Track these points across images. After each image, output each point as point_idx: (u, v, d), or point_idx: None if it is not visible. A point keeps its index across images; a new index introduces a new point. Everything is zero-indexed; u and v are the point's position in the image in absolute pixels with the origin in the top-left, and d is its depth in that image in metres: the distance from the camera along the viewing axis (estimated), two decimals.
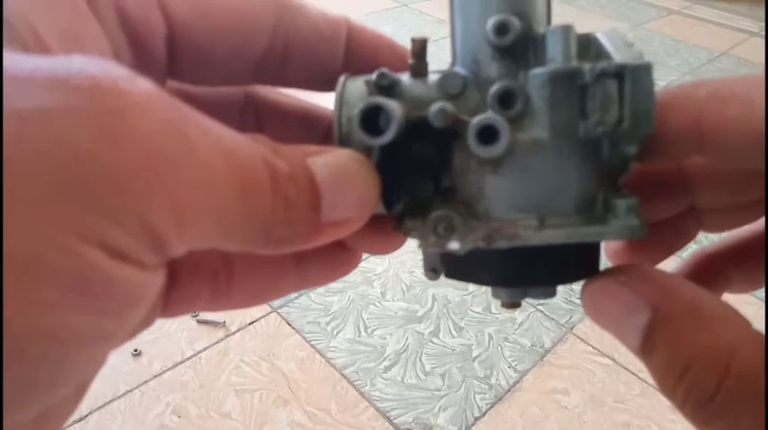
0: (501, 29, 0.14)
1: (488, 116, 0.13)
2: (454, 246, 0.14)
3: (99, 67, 0.09)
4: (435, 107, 0.14)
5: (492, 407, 0.76)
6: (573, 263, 0.15)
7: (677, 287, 0.13)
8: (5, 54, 0.09)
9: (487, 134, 0.13)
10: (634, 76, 0.13)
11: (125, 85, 0.09)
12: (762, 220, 0.16)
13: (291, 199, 0.11)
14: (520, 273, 0.15)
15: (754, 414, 0.11)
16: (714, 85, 0.13)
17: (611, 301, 0.13)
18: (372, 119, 0.14)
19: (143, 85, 0.09)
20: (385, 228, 0.15)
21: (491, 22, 0.14)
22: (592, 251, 0.15)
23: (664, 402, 0.79)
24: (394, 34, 1.54)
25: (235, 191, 0.10)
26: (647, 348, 0.12)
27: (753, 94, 0.12)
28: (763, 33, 2.19)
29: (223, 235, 0.11)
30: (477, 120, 0.13)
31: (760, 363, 0.11)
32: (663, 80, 1.76)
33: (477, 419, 0.74)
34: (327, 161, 0.12)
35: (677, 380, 0.12)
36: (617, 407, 0.78)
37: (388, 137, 0.13)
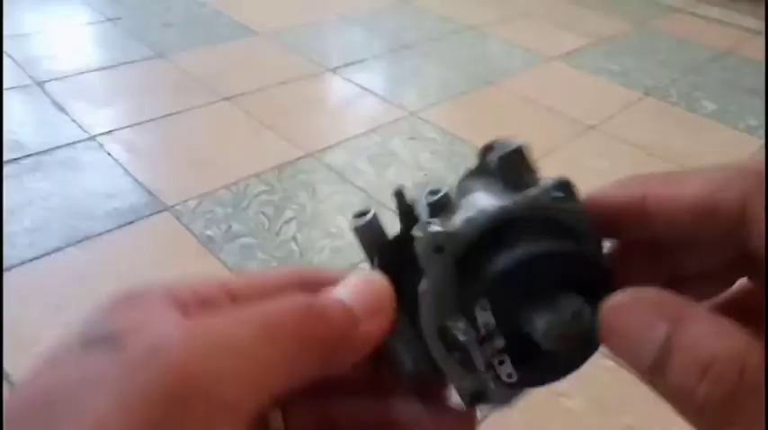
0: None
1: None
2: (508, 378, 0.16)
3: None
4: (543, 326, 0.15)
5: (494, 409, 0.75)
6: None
7: (691, 303, 0.13)
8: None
9: None
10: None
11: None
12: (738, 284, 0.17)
13: (333, 327, 0.14)
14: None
15: None
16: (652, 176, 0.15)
17: (630, 318, 0.14)
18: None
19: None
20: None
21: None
22: None
23: (669, 406, 0.78)
24: (395, 30, 1.52)
25: (292, 345, 0.13)
26: (664, 360, 0.13)
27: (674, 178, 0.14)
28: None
29: (299, 375, 0.14)
30: None
31: (764, 365, 0.12)
32: (666, 79, 1.75)
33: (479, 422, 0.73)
34: (347, 289, 0.15)
35: (699, 377, 0.12)
36: (621, 411, 0.77)
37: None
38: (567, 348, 0.15)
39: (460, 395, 0.16)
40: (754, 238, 0.13)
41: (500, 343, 0.15)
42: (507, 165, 0.16)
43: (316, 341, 0.14)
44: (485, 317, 0.15)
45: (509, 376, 0.15)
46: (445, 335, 0.15)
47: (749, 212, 0.13)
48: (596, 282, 0.15)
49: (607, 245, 0.17)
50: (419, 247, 0.15)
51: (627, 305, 0.13)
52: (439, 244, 0.15)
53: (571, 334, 0.14)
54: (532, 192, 0.16)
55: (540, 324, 0.14)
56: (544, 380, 0.16)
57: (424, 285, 0.15)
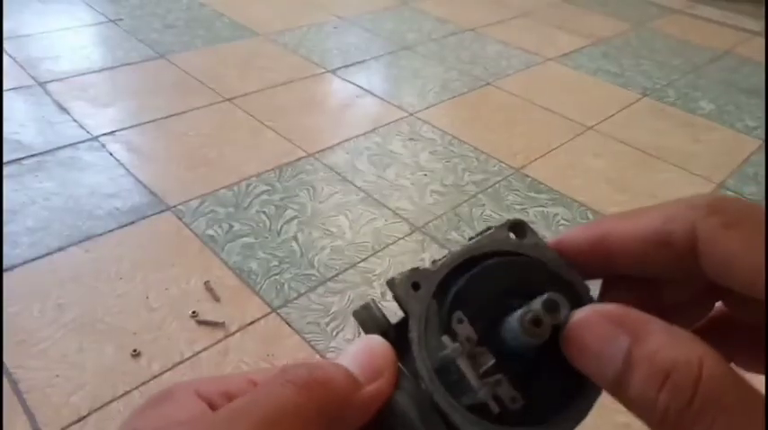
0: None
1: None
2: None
3: None
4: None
5: None
6: None
7: (651, 317, 0.14)
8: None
9: None
10: None
11: None
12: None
13: (336, 393, 0.15)
14: None
15: (726, 415, 0.12)
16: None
17: (592, 333, 0.14)
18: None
19: None
20: None
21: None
22: None
23: None
24: (394, 32, 1.53)
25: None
26: (626, 372, 0.13)
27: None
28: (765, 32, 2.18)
29: None
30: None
31: (720, 372, 0.13)
32: (664, 79, 1.76)
33: None
34: (348, 355, 0.16)
35: (659, 388, 0.13)
36: (618, 409, 0.77)
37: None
38: (539, 337, 0.15)
39: None
40: (706, 265, 0.14)
41: (490, 360, 0.15)
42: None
43: (319, 411, 0.14)
44: (464, 329, 0.15)
45: (513, 400, 0.15)
46: (445, 374, 0.15)
47: (699, 239, 0.14)
48: (569, 293, 0.15)
49: (592, 286, 0.17)
50: (399, 289, 0.16)
51: (589, 320, 0.14)
52: (414, 280, 0.16)
53: (544, 320, 0.14)
54: (491, 231, 0.17)
55: (514, 318, 0.15)
56: (554, 403, 0.15)
57: (412, 331, 0.16)
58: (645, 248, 0.15)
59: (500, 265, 0.16)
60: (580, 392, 0.16)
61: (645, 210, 0.16)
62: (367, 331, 0.17)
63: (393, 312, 0.18)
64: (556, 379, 0.15)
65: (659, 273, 0.16)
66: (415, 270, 0.17)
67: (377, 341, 0.16)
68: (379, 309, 0.18)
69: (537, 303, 0.15)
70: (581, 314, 0.14)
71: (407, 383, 0.16)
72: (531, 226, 0.18)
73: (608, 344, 0.13)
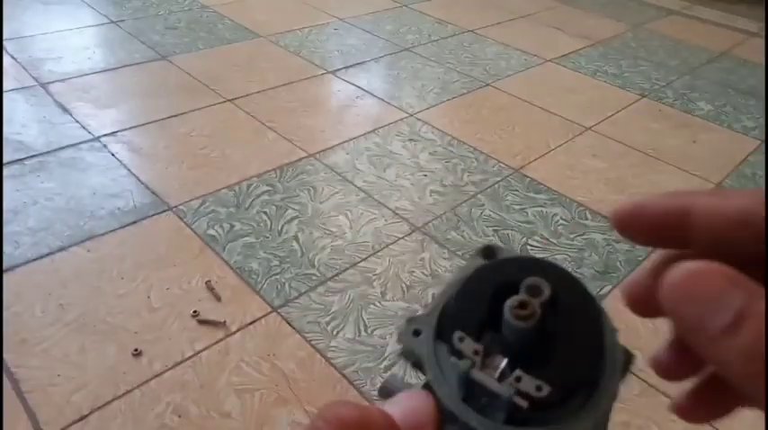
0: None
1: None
2: None
3: None
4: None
5: None
6: None
7: (758, 284, 0.14)
8: None
9: None
10: None
11: None
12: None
13: None
14: None
15: None
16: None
17: (707, 282, 0.14)
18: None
19: None
20: None
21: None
22: None
23: (664, 402, 0.79)
24: (394, 33, 1.54)
25: None
26: (737, 324, 0.13)
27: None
28: (763, 33, 2.19)
29: None
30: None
31: None
32: (662, 80, 1.76)
33: None
34: (394, 404, 0.16)
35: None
36: (617, 407, 0.78)
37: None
38: (530, 319, 0.15)
39: None
40: None
41: (501, 361, 0.15)
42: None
43: None
44: (467, 346, 0.16)
45: (538, 389, 0.15)
46: (473, 400, 0.16)
47: None
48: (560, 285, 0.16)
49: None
50: (403, 341, 0.17)
51: (705, 271, 0.14)
52: (414, 328, 0.17)
53: (530, 303, 0.15)
54: (465, 264, 0.18)
55: (505, 313, 0.15)
56: (580, 378, 0.15)
57: (427, 373, 0.16)
58: (730, 226, 0.15)
59: (477, 275, 0.17)
60: (600, 366, 0.16)
61: (732, 191, 0.16)
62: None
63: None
64: (571, 359, 0.15)
65: (735, 254, 0.15)
66: (410, 319, 0.17)
67: (421, 394, 0.16)
68: (402, 379, 0.18)
69: (520, 291, 0.15)
70: (695, 264, 0.14)
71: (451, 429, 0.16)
72: (507, 245, 0.18)
73: (724, 294, 0.14)
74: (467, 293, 0.17)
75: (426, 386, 0.16)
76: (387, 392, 0.17)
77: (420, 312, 0.18)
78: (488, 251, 0.18)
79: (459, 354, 0.15)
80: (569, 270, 0.17)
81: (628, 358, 0.16)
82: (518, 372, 0.15)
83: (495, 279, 0.17)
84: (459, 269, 0.18)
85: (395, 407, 0.16)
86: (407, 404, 0.16)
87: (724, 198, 0.16)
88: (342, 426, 0.14)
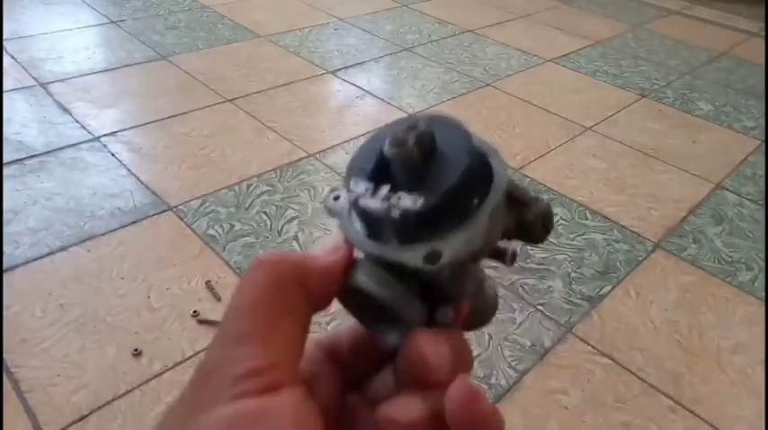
0: None
1: None
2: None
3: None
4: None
5: None
6: None
7: None
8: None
9: None
10: None
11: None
12: None
13: (296, 263, 0.18)
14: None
15: None
16: None
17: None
18: None
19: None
20: None
21: None
22: None
23: (664, 402, 0.79)
24: (394, 33, 1.53)
25: None
26: None
27: None
28: (763, 33, 2.19)
29: None
30: None
31: None
32: (662, 80, 1.77)
33: None
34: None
35: None
36: (617, 407, 0.78)
37: None
38: (398, 145, 0.17)
39: (416, 265, 0.17)
40: None
41: (385, 188, 0.17)
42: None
43: (279, 277, 0.17)
44: (360, 186, 0.18)
45: (414, 201, 0.17)
46: (378, 235, 0.18)
47: None
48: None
49: None
50: (327, 203, 0.20)
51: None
52: (335, 194, 0.20)
53: (401, 132, 0.17)
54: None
55: (385, 146, 0.18)
56: (458, 196, 0.17)
57: (339, 222, 0.19)
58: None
59: (378, 133, 0.19)
60: (477, 186, 0.18)
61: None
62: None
63: None
64: (446, 177, 0.17)
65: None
66: (333, 189, 0.20)
67: (333, 237, 0.19)
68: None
69: (399, 127, 0.18)
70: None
71: (362, 264, 0.18)
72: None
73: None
74: (365, 146, 0.19)
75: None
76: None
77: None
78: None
79: (356, 195, 0.18)
80: (458, 120, 0.19)
81: (502, 180, 0.18)
82: (400, 194, 0.17)
83: (386, 133, 0.18)
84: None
85: (312, 250, 0.20)
86: (322, 244, 0.20)
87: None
88: (265, 264, 0.17)
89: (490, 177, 0.18)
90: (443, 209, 0.17)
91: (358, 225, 0.18)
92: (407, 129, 0.17)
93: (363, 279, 0.17)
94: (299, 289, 0.17)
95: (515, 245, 0.19)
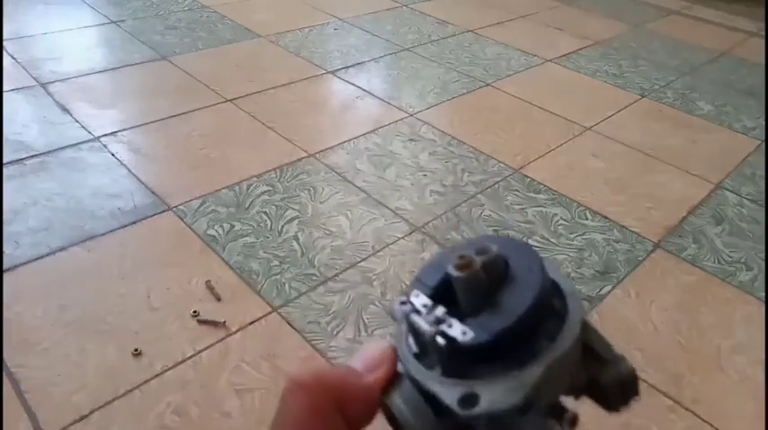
0: None
1: None
2: None
3: None
4: None
5: None
6: None
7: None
8: None
9: None
10: None
11: None
12: None
13: (340, 383, 0.18)
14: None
15: None
16: None
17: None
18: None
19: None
20: None
21: None
22: None
23: (663, 402, 0.79)
24: (394, 34, 1.53)
25: None
26: None
27: None
28: (763, 33, 2.19)
29: None
30: None
31: None
32: (662, 80, 1.76)
33: None
34: (357, 355, 0.19)
35: None
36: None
37: None
38: (463, 268, 0.16)
39: (450, 405, 0.15)
40: None
41: (440, 310, 0.17)
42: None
43: (318, 403, 0.16)
44: (420, 300, 0.17)
45: (463, 334, 0.16)
46: (425, 356, 0.17)
47: None
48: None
49: None
50: (393, 306, 0.18)
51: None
52: (403, 299, 0.18)
53: (469, 255, 0.17)
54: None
55: (450, 267, 0.17)
56: (497, 326, 0.16)
57: (395, 332, 0.18)
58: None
59: (448, 250, 0.19)
60: (541, 330, 0.16)
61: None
62: None
63: None
64: (508, 315, 0.16)
65: None
66: (405, 293, 0.18)
67: (380, 342, 0.18)
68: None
69: (468, 247, 0.17)
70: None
71: (403, 383, 0.17)
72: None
73: None
74: (434, 261, 0.19)
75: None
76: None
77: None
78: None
79: (413, 308, 0.17)
80: (532, 245, 0.18)
81: (576, 328, 0.16)
82: (452, 320, 0.16)
83: (459, 249, 0.18)
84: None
85: (356, 359, 0.18)
86: (367, 351, 0.18)
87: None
88: (303, 389, 0.16)
89: (562, 320, 0.16)
90: (494, 348, 0.15)
91: (411, 339, 0.17)
92: (477, 251, 0.17)
93: (399, 405, 0.16)
94: (338, 415, 0.16)
95: (575, 409, 0.16)
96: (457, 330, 0.16)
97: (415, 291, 0.17)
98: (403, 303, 0.18)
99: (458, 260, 0.16)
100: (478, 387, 0.15)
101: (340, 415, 0.16)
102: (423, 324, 0.16)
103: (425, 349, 0.17)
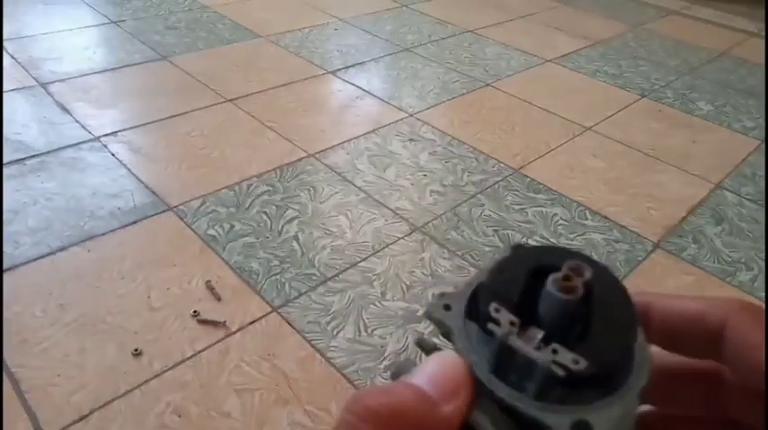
0: None
1: None
2: None
3: None
4: None
5: None
6: None
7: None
8: None
9: None
10: None
11: None
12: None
13: (412, 416, 0.14)
14: None
15: None
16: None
17: None
18: None
19: None
20: None
21: None
22: None
23: None
24: (394, 34, 1.54)
25: None
26: None
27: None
28: (763, 33, 2.20)
29: None
30: None
31: None
32: (662, 80, 1.77)
33: None
34: (423, 374, 0.16)
35: None
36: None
37: None
38: (575, 292, 0.15)
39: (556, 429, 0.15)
40: (728, 348, 0.16)
41: (538, 333, 0.15)
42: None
43: None
44: (504, 316, 0.15)
45: (575, 362, 0.14)
46: (503, 372, 0.15)
47: (729, 326, 0.16)
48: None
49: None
50: (435, 314, 0.17)
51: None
52: (445, 302, 0.17)
53: (574, 277, 0.16)
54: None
55: (548, 286, 0.16)
56: (612, 362, 0.15)
57: (457, 343, 0.16)
58: (682, 323, 0.17)
59: (514, 255, 0.17)
60: (629, 356, 0.16)
61: (686, 296, 0.18)
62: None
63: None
64: (606, 341, 0.16)
65: (686, 349, 0.17)
66: (442, 295, 0.17)
67: (451, 357, 0.16)
68: (430, 340, 0.18)
69: (563, 267, 0.16)
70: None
71: (483, 403, 0.15)
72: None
73: None
74: (503, 271, 0.17)
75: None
76: (398, 375, 0.17)
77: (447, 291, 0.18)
78: (519, 248, 0.19)
79: (496, 323, 0.15)
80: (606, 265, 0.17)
81: (650, 358, 0.16)
82: (555, 346, 0.15)
83: (531, 260, 0.17)
84: (489, 261, 0.18)
85: (422, 375, 0.15)
86: (437, 368, 0.15)
87: (678, 298, 0.17)
88: (373, 417, 0.13)
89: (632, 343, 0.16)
90: (602, 376, 0.15)
91: (484, 353, 0.16)
92: (574, 270, 0.16)
93: (491, 428, 0.15)
94: None
95: None
96: (566, 357, 0.15)
97: (495, 305, 0.16)
98: (447, 308, 0.17)
99: (563, 279, 0.15)
100: (585, 413, 0.15)
101: None
102: (532, 351, 0.15)
103: (512, 369, 0.15)
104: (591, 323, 0.16)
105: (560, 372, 0.14)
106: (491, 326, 0.15)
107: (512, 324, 0.15)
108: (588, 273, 0.16)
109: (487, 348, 0.15)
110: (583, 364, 0.14)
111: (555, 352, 0.15)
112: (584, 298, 0.16)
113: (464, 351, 0.16)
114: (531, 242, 1.06)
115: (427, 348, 0.17)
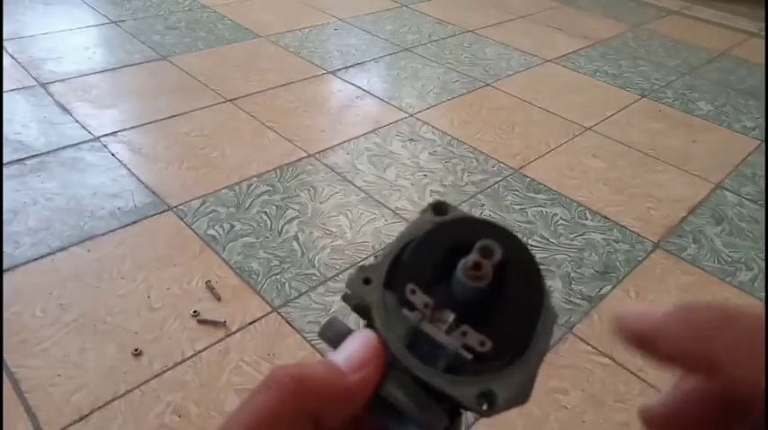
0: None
1: None
2: None
3: None
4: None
5: None
6: None
7: None
8: None
9: None
10: None
11: None
12: None
13: (319, 385, 0.16)
14: None
15: None
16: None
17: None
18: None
19: None
20: None
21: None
22: None
23: None
24: (394, 34, 1.54)
25: None
26: None
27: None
28: (763, 33, 2.19)
29: None
30: None
31: None
32: (661, 80, 1.77)
33: (477, 419, 0.74)
34: (340, 350, 0.17)
35: None
36: (616, 407, 0.78)
37: None
38: (482, 279, 0.16)
39: (468, 405, 0.16)
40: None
41: (450, 316, 0.16)
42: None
43: (298, 406, 0.14)
44: (419, 298, 0.16)
45: (482, 344, 0.16)
46: (417, 348, 0.16)
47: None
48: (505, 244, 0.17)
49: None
50: (354, 288, 0.17)
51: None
52: (364, 276, 0.18)
53: (483, 264, 0.16)
54: (415, 217, 0.19)
55: (458, 271, 0.16)
56: (517, 335, 0.16)
57: (375, 319, 0.17)
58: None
59: (433, 233, 0.18)
60: (534, 326, 0.17)
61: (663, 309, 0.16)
62: (335, 347, 0.18)
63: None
64: (513, 317, 0.16)
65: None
66: (361, 268, 0.18)
67: (365, 334, 0.17)
68: (342, 321, 0.18)
69: (473, 251, 0.16)
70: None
71: (395, 374, 0.16)
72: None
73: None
74: (421, 248, 0.18)
75: (371, 329, 0.17)
76: (328, 335, 0.18)
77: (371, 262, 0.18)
78: (440, 207, 0.19)
79: (410, 306, 0.16)
80: (517, 234, 0.18)
81: (554, 319, 0.17)
82: (464, 328, 0.16)
83: (448, 237, 0.17)
84: (410, 222, 0.19)
85: (340, 353, 0.16)
86: (353, 345, 0.16)
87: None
88: (286, 380, 0.15)
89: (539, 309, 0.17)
90: (506, 350, 0.16)
91: (399, 328, 0.16)
92: (483, 252, 0.16)
93: (402, 398, 0.16)
94: (310, 424, 0.14)
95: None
96: (474, 339, 0.16)
97: (411, 286, 0.16)
98: (367, 281, 0.17)
99: (472, 268, 0.16)
100: (490, 383, 0.16)
101: (313, 424, 0.15)
102: (442, 337, 0.16)
103: (424, 346, 0.16)
104: (500, 301, 0.17)
105: (468, 356, 0.16)
106: (405, 311, 0.16)
107: (425, 306, 0.16)
108: (498, 254, 0.16)
109: (403, 324, 0.16)
110: (488, 345, 0.16)
111: (464, 334, 0.16)
112: (494, 278, 0.16)
113: (381, 328, 0.17)
114: (531, 242, 1.07)
115: (332, 334, 0.18)
